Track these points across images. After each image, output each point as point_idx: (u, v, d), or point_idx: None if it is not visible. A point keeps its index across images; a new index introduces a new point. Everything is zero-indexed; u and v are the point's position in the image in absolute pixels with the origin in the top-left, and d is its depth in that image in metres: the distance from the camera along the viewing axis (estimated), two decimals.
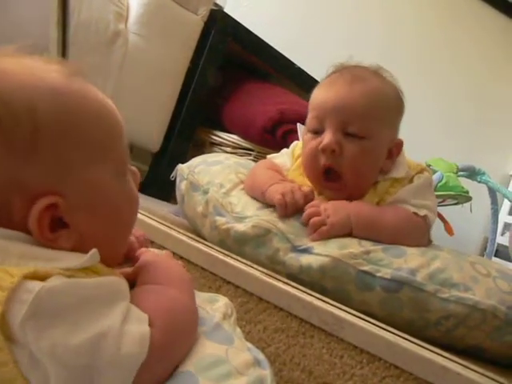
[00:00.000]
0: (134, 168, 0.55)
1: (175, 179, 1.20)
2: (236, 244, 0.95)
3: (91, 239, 0.46)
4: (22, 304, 0.38)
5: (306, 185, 1.03)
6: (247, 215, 0.97)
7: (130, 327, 0.42)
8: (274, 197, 0.95)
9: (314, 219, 0.91)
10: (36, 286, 0.39)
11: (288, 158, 1.10)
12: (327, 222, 0.90)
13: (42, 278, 0.40)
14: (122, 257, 0.56)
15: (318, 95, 1.01)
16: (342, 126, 0.95)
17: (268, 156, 1.15)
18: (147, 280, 0.54)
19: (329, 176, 0.98)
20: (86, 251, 0.45)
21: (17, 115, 0.44)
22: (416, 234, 0.95)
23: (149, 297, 0.50)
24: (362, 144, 0.95)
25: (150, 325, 0.44)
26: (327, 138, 0.95)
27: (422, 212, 0.95)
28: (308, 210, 0.93)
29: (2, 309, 0.38)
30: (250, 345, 0.55)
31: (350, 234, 0.91)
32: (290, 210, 0.94)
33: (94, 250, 0.45)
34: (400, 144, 1.02)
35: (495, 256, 2.43)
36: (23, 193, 0.44)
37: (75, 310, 0.40)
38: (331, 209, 0.92)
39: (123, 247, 0.56)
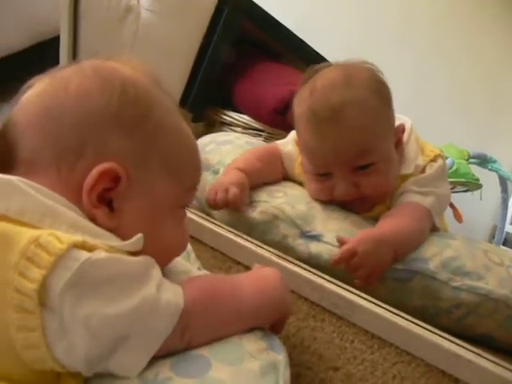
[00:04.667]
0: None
1: None
2: (244, 228, 0.94)
3: (126, 237, 0.47)
4: (67, 271, 0.39)
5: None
6: (256, 200, 0.96)
7: (165, 294, 0.44)
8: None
9: (351, 265, 0.79)
10: (83, 255, 0.40)
11: (293, 147, 1.06)
12: (365, 262, 0.79)
13: (88, 249, 0.41)
14: None
15: (307, 141, 0.93)
16: (348, 166, 0.89)
17: (277, 142, 1.11)
18: None
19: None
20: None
21: (139, 99, 0.50)
22: (425, 223, 0.92)
23: (193, 279, 0.53)
24: (377, 168, 0.90)
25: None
26: (341, 186, 0.90)
27: (427, 201, 0.92)
28: (340, 254, 0.81)
29: (45, 272, 0.38)
30: (265, 330, 0.54)
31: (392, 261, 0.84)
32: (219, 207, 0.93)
33: (139, 235, 0.47)
34: (401, 129, 0.97)
35: (503, 245, 2.42)
36: (96, 154, 0.47)
37: (115, 283, 0.41)
38: (364, 245, 0.81)
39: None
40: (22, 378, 0.40)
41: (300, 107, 0.94)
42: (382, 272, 0.83)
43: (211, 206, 0.94)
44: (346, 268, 0.81)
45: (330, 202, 0.95)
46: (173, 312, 0.44)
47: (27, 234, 0.40)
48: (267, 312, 0.54)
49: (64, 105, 0.48)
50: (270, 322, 0.56)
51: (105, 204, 0.47)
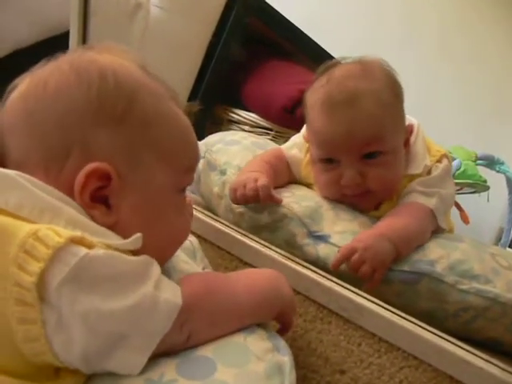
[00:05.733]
0: (188, 199, 0.58)
1: None
2: (251, 229, 0.94)
3: (126, 233, 0.47)
4: (65, 266, 0.39)
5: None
6: None
7: (163, 292, 0.44)
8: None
9: (352, 261, 0.80)
10: (81, 251, 0.40)
11: (298, 149, 1.06)
12: (365, 257, 0.79)
13: (87, 246, 0.41)
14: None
15: (319, 125, 0.93)
16: (357, 153, 0.89)
17: (281, 146, 1.11)
18: None
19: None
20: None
21: (120, 87, 0.50)
22: (426, 223, 0.91)
23: (190, 276, 0.53)
24: (384, 160, 0.90)
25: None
26: (348, 174, 0.90)
27: (431, 201, 0.92)
28: (339, 253, 0.82)
29: (44, 266, 0.38)
30: (270, 331, 0.54)
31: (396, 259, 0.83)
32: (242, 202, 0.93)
33: (138, 234, 0.46)
34: (410, 129, 0.98)
35: (510, 247, 2.40)
36: (84, 154, 0.47)
37: (113, 280, 0.41)
38: (363, 242, 0.82)
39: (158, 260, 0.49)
40: (22, 371, 0.40)
41: (315, 95, 0.95)
42: (385, 266, 0.82)
43: (238, 200, 0.93)
44: (349, 268, 0.81)
45: (338, 199, 0.95)
46: (171, 310, 0.44)
47: (26, 227, 0.40)
48: (264, 304, 0.55)
49: (45, 106, 0.48)
50: (270, 317, 0.56)
51: (101, 202, 0.47)
